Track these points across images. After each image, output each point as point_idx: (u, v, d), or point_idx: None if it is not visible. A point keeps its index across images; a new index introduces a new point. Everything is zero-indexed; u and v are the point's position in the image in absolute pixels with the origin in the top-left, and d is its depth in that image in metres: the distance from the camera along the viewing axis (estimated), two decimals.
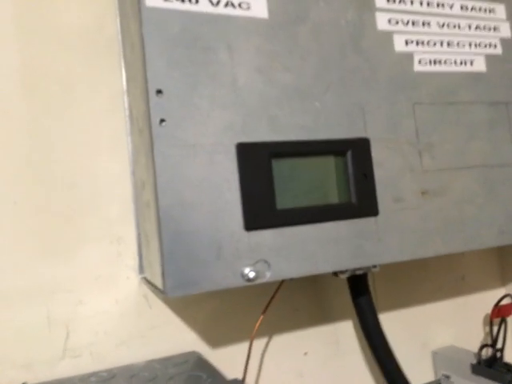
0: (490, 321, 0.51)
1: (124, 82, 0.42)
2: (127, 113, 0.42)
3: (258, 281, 0.33)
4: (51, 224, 0.40)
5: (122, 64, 0.42)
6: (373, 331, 0.42)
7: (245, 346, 0.42)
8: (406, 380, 0.42)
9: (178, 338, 0.43)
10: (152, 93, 0.31)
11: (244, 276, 0.32)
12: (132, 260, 0.42)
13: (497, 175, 0.41)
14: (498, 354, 0.47)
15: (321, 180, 0.35)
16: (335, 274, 0.41)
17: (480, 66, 0.41)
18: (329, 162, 0.36)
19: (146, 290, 0.42)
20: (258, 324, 0.40)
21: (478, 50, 0.42)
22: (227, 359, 0.42)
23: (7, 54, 0.39)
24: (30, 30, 0.40)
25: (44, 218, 0.40)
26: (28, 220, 0.39)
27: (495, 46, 0.42)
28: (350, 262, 0.36)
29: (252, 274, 0.32)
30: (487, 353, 0.48)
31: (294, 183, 0.34)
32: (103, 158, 0.42)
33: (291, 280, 0.39)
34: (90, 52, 0.42)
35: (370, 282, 0.48)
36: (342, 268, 0.36)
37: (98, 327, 0.40)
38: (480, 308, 0.55)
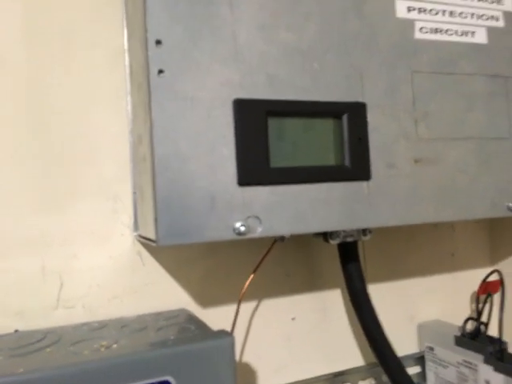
0: (476, 296, 0.52)
1: (125, 40, 0.42)
2: (128, 71, 0.42)
3: (249, 235, 0.33)
4: (48, 179, 0.40)
5: (124, 21, 0.42)
6: (360, 296, 0.43)
7: (236, 307, 0.43)
8: (390, 345, 0.43)
9: (170, 295, 0.43)
10: (151, 43, 0.31)
11: (235, 230, 0.33)
12: (127, 217, 0.42)
13: (492, 148, 0.41)
14: (483, 328, 0.48)
15: (316, 141, 0.36)
16: (326, 239, 0.42)
17: (481, 37, 0.41)
18: (324, 124, 0.36)
19: (140, 247, 0.43)
20: (247, 282, 0.41)
21: (480, 21, 0.41)
22: (217, 318, 0.43)
23: (9, 5, 0.39)
24: None
25: (41, 173, 0.40)
26: (26, 173, 0.39)
27: (497, 19, 0.42)
28: (341, 223, 0.36)
29: (243, 229, 0.33)
30: (472, 326, 0.49)
31: (289, 143, 0.35)
32: (102, 114, 0.42)
33: (283, 241, 0.40)
34: (93, 7, 0.42)
35: (361, 254, 0.48)
36: (333, 229, 0.37)
37: (92, 281, 0.41)
38: (468, 285, 0.55)
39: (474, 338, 0.47)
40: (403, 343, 0.52)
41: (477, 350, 0.46)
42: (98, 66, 0.42)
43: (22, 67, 0.39)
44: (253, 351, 0.46)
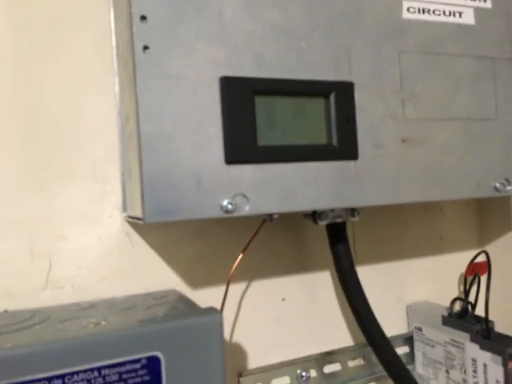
0: (464, 277, 0.53)
1: (112, 21, 0.42)
2: (115, 51, 0.42)
3: (236, 213, 0.33)
4: (37, 161, 0.40)
5: (111, 2, 0.42)
6: (348, 277, 0.43)
7: (225, 288, 0.43)
8: (378, 325, 0.44)
9: (159, 276, 0.44)
10: (136, 18, 0.31)
11: (222, 208, 0.33)
12: (116, 199, 0.42)
13: (478, 129, 0.42)
14: (470, 308, 0.49)
15: (303, 120, 0.36)
16: (315, 220, 0.42)
17: (469, 18, 0.42)
18: (312, 103, 0.36)
19: (129, 228, 0.43)
20: (236, 262, 0.41)
21: (468, 1, 0.42)
22: (207, 299, 0.42)
23: None
24: None
25: (30, 155, 0.40)
26: (14, 155, 0.39)
27: (485, 0, 0.42)
28: (329, 202, 0.37)
29: (230, 207, 0.33)
30: (459, 307, 0.49)
31: (276, 121, 0.35)
32: (90, 97, 0.42)
33: (271, 220, 0.40)
34: None
35: (350, 236, 0.49)
36: (320, 208, 0.37)
37: (81, 262, 0.41)
38: (456, 267, 0.56)
39: (461, 318, 0.48)
40: (392, 324, 0.53)
41: (463, 329, 0.47)
42: (86, 47, 0.42)
43: (8, 52, 0.39)
44: (243, 332, 0.46)
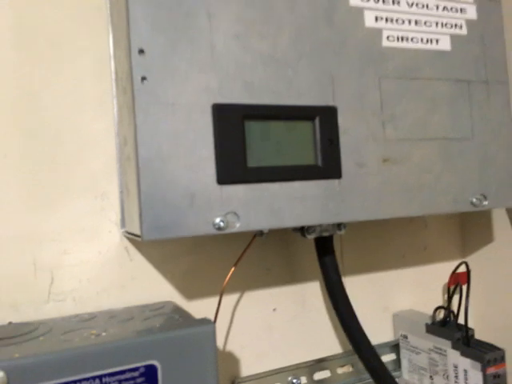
0: (447, 287, 0.55)
1: (111, 47, 0.45)
2: (113, 76, 0.45)
3: (228, 230, 0.36)
4: (38, 178, 0.42)
5: (110, 29, 0.44)
6: (335, 288, 0.46)
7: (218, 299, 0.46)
8: (364, 334, 0.46)
9: (156, 289, 0.46)
10: (134, 52, 0.33)
11: (215, 225, 0.35)
12: (114, 215, 0.45)
13: (455, 148, 0.45)
14: (452, 317, 0.51)
15: (290, 143, 0.38)
16: (303, 234, 0.44)
17: (445, 45, 0.44)
18: (298, 127, 0.39)
19: (127, 243, 0.45)
20: (229, 274, 0.44)
21: (444, 29, 0.45)
22: (202, 310, 0.45)
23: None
24: None
25: (32, 173, 0.42)
26: (17, 172, 0.42)
27: (461, 27, 0.45)
28: (315, 218, 0.39)
29: (222, 224, 0.35)
30: (442, 315, 0.52)
31: (265, 144, 0.38)
32: (89, 117, 0.44)
33: (262, 235, 0.43)
34: (80, 14, 0.44)
35: (338, 248, 0.51)
36: (307, 224, 0.40)
37: (82, 275, 0.43)
38: (439, 277, 0.59)
39: (444, 326, 0.50)
40: (379, 332, 0.55)
41: (445, 337, 0.49)
42: (86, 71, 0.44)
43: (12, 72, 0.42)
44: (236, 341, 0.49)
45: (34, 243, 0.42)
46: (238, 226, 0.36)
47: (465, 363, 0.47)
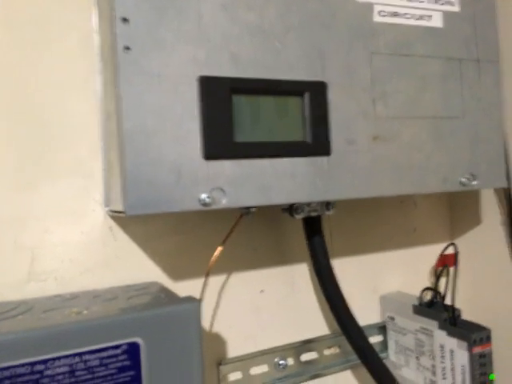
0: (435, 269, 0.55)
1: (95, 21, 0.43)
2: (97, 51, 0.43)
3: (214, 206, 0.35)
4: (21, 157, 0.41)
5: (95, 1, 0.43)
6: (323, 269, 0.45)
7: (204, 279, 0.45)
8: (351, 315, 0.46)
9: (141, 269, 0.45)
10: (118, 20, 0.32)
11: (200, 201, 0.34)
12: (98, 194, 0.44)
13: (445, 127, 0.44)
14: (439, 298, 0.51)
15: (278, 118, 0.37)
16: (291, 214, 0.44)
17: (437, 21, 0.44)
18: (287, 102, 0.38)
19: (111, 222, 0.44)
20: (216, 253, 0.43)
21: (437, 6, 0.44)
22: (188, 291, 0.44)
23: None
24: None
25: (15, 152, 0.41)
26: (1, 153, 0.40)
27: (453, 4, 0.44)
28: (303, 196, 0.38)
29: (208, 200, 0.35)
30: (430, 296, 0.52)
31: (252, 119, 0.37)
32: (73, 97, 0.43)
33: (248, 214, 0.42)
34: None
35: (327, 230, 0.51)
36: (295, 201, 0.39)
37: (64, 255, 0.42)
38: (428, 259, 0.59)
39: (431, 307, 0.50)
40: (367, 314, 0.55)
41: (432, 317, 0.49)
42: (70, 47, 0.42)
43: None
44: (223, 322, 0.48)
45: (15, 222, 0.41)
46: (224, 203, 0.35)
47: (451, 343, 0.47)
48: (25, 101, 0.41)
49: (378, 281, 0.57)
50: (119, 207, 0.35)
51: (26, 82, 0.41)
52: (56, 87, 0.42)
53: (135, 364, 0.30)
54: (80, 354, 0.29)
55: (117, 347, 0.30)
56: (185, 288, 0.46)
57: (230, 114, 0.35)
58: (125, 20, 0.33)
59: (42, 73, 0.41)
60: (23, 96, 0.41)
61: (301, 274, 0.52)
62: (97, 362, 0.29)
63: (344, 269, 0.53)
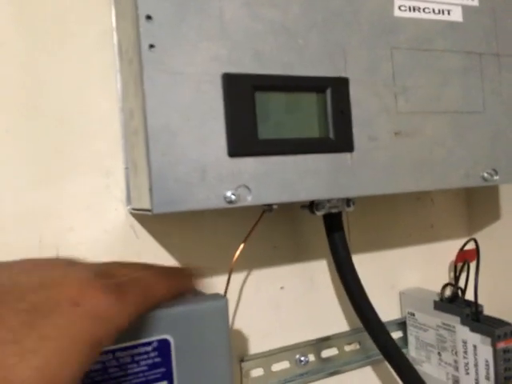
0: (454, 265, 0.55)
1: (113, 19, 0.43)
2: (116, 49, 0.43)
3: (239, 204, 0.35)
4: (42, 156, 0.41)
5: (112, 1, 0.43)
6: (344, 264, 0.45)
7: (226, 277, 0.45)
8: (374, 310, 0.46)
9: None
10: (142, 18, 0.32)
11: (226, 198, 0.35)
12: (120, 192, 0.44)
13: (466, 121, 0.44)
14: (460, 293, 0.51)
15: (301, 114, 0.37)
16: (312, 211, 0.44)
17: (457, 16, 0.43)
18: (309, 98, 0.38)
19: (133, 220, 0.44)
20: (238, 251, 0.43)
21: (456, 0, 0.43)
22: (210, 287, 0.44)
23: None
24: None
25: (35, 150, 0.41)
26: (21, 149, 0.40)
27: None
28: (326, 192, 0.38)
29: (233, 197, 0.35)
30: (450, 292, 0.52)
31: (276, 115, 0.37)
32: (93, 94, 0.43)
33: (271, 211, 0.42)
34: None
35: (345, 226, 0.51)
36: (318, 197, 0.39)
37: (87, 253, 0.42)
38: (446, 255, 0.58)
39: (452, 302, 0.50)
40: (386, 310, 0.55)
41: (454, 313, 0.49)
42: (88, 45, 0.43)
43: (14, 48, 0.40)
44: (244, 319, 0.48)
45: (40, 220, 0.41)
46: (249, 200, 0.35)
47: (474, 339, 0.47)
48: (43, 96, 0.41)
49: (396, 277, 0.57)
50: (145, 205, 0.35)
51: (44, 78, 0.41)
52: (74, 84, 0.42)
53: (166, 361, 0.31)
54: (113, 351, 0.29)
55: (148, 344, 0.30)
56: (206, 285, 0.46)
57: (253, 110, 0.35)
58: (149, 18, 0.33)
59: (59, 69, 0.41)
60: (41, 92, 0.41)
61: (320, 270, 0.52)
62: (129, 359, 0.30)
63: (362, 265, 0.52)
